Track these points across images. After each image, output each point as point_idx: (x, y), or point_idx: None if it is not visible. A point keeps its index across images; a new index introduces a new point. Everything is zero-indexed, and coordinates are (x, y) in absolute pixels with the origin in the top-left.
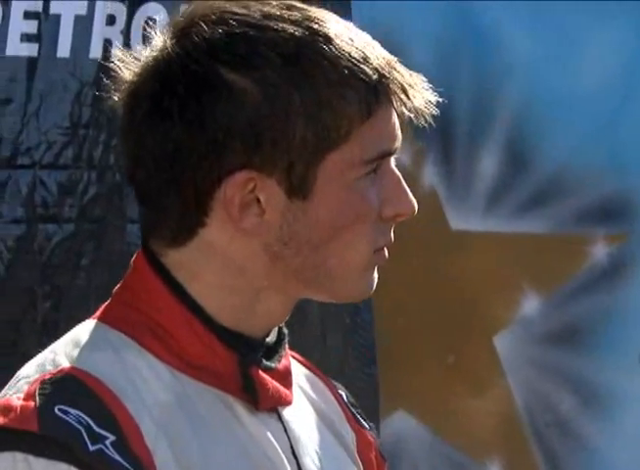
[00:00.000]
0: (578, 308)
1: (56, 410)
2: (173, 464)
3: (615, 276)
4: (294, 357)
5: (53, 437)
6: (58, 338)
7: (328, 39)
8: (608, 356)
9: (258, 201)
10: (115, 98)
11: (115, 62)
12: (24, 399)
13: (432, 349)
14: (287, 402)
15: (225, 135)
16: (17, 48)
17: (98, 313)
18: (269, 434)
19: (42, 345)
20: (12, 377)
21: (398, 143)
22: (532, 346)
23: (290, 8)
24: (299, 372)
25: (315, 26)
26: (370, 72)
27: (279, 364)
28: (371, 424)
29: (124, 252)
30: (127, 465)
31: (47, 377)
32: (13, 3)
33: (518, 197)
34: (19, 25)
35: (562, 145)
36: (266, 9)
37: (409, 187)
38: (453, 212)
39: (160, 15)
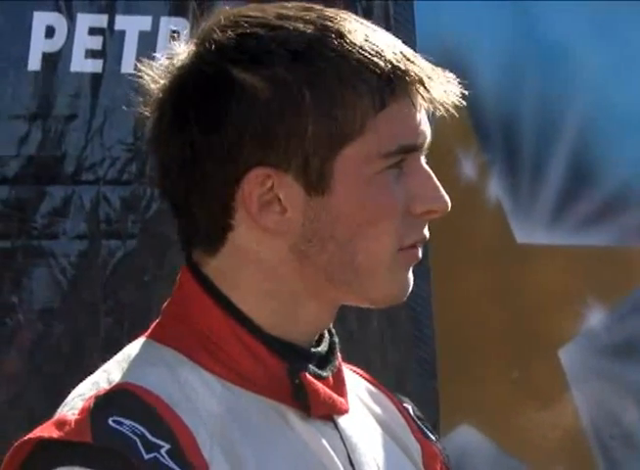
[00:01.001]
0: None
1: (109, 421)
2: None
3: None
4: (354, 371)
5: (107, 447)
6: None
7: (340, 35)
8: None
9: (279, 200)
10: (145, 112)
11: (143, 76)
12: (79, 414)
13: (496, 362)
14: (342, 411)
15: (239, 134)
16: (81, 64)
17: (149, 331)
18: (324, 442)
19: (105, 360)
20: None
21: (423, 139)
22: (597, 358)
23: (307, 9)
24: (360, 385)
25: (328, 24)
26: (383, 65)
27: (331, 373)
28: (437, 436)
29: None
30: None
31: (101, 393)
32: (78, 19)
33: (583, 210)
34: (83, 42)
35: (627, 157)
36: (283, 11)
37: (475, 200)
38: (518, 225)
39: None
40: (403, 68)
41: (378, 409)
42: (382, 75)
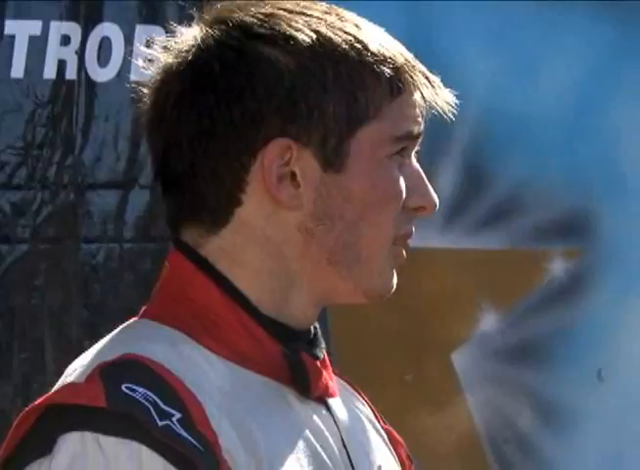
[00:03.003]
0: (536, 324)
1: (123, 388)
2: (241, 448)
3: (572, 291)
4: None
5: (123, 413)
6: (10, 358)
7: (357, 26)
8: (565, 372)
9: (293, 176)
10: (145, 92)
11: (143, 60)
12: (88, 381)
13: (390, 366)
14: (333, 393)
15: (262, 105)
16: None
17: (141, 313)
18: (320, 423)
19: None
20: None
21: (422, 129)
22: (490, 362)
23: (314, 3)
24: None
25: (344, 15)
26: (398, 56)
27: (322, 355)
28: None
29: (78, 271)
30: (195, 442)
31: (108, 362)
32: None
33: (475, 213)
34: None
35: (519, 162)
36: (295, 2)
37: None
38: None
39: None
40: (413, 63)
41: (351, 396)
42: (397, 66)
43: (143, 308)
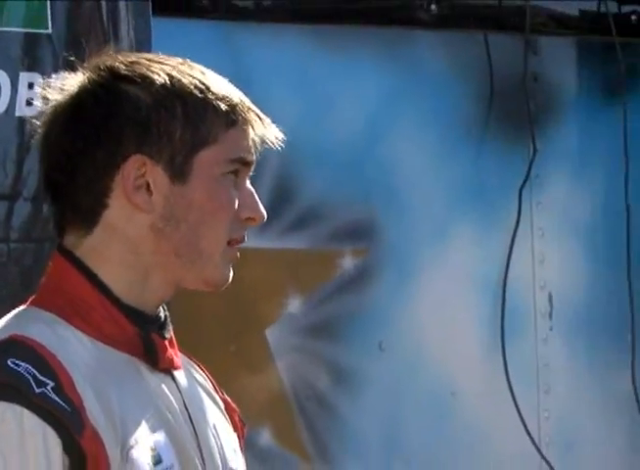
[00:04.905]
0: (331, 307)
1: (9, 362)
2: (100, 409)
3: (359, 282)
4: None
5: (8, 382)
6: None
7: (202, 73)
8: (354, 344)
9: (147, 186)
10: (38, 124)
11: (39, 98)
12: None
13: (218, 339)
14: (178, 366)
15: (123, 130)
16: None
17: (28, 302)
18: (166, 389)
19: None
20: None
21: (253, 158)
22: (296, 336)
23: (171, 57)
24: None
25: (193, 65)
26: (233, 97)
27: (169, 336)
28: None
29: None
30: (64, 405)
31: None
32: None
33: (284, 221)
34: None
35: (318, 181)
36: (159, 57)
37: None
38: None
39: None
40: (247, 104)
41: (193, 371)
42: (233, 103)
43: (31, 298)
